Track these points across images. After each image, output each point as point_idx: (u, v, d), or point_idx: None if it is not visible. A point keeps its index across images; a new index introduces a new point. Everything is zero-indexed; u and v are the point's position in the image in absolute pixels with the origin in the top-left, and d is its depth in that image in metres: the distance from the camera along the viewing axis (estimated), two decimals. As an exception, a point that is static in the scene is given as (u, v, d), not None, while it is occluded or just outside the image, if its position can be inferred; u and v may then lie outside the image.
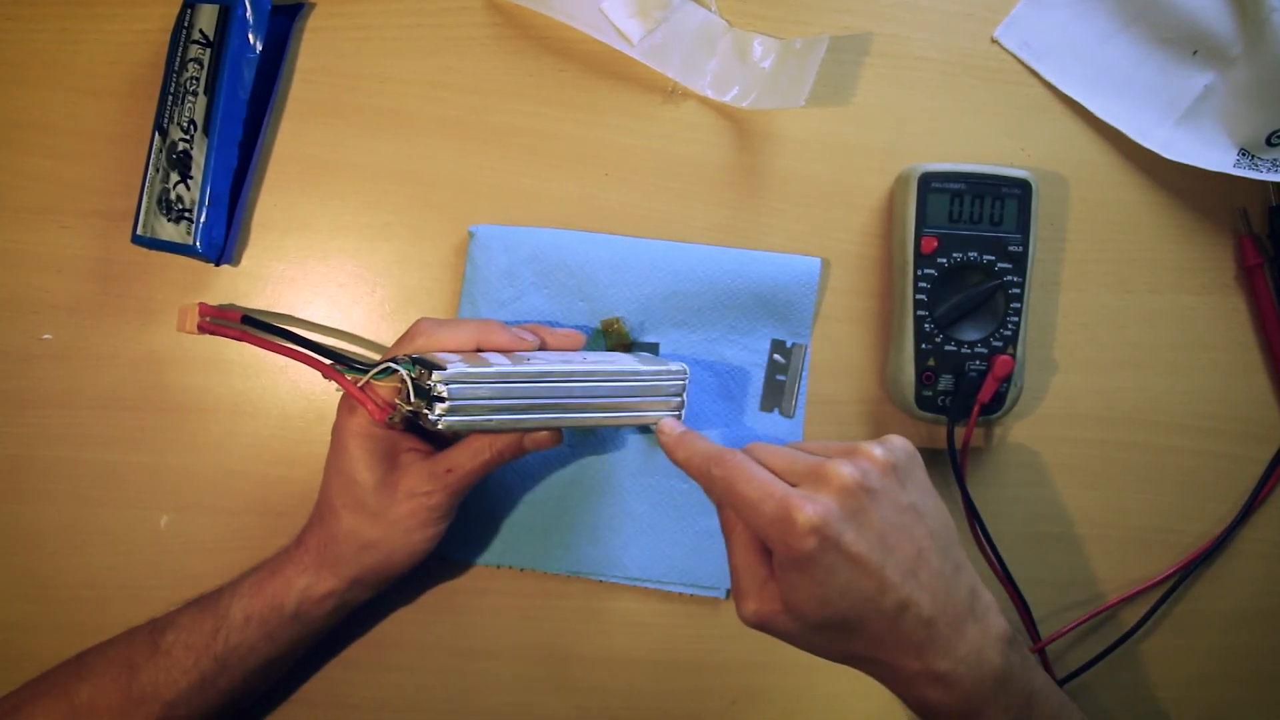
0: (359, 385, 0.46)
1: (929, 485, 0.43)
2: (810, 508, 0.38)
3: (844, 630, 0.40)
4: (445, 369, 0.44)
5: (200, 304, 0.49)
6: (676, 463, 0.46)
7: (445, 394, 0.44)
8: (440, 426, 0.44)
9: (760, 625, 0.42)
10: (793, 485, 0.40)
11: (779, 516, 0.38)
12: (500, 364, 0.46)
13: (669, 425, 0.48)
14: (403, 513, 0.48)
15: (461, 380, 0.44)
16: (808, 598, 0.39)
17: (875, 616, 0.39)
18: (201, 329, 0.49)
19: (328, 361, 0.49)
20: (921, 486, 0.42)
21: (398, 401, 0.46)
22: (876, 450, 0.41)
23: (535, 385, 0.46)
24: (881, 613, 0.39)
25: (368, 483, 0.47)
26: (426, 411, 0.44)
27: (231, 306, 0.56)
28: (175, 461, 0.56)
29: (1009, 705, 0.41)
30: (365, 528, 0.48)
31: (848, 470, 0.39)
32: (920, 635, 0.39)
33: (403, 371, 0.45)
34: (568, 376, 0.47)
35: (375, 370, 0.46)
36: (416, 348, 0.47)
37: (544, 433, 0.48)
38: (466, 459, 0.48)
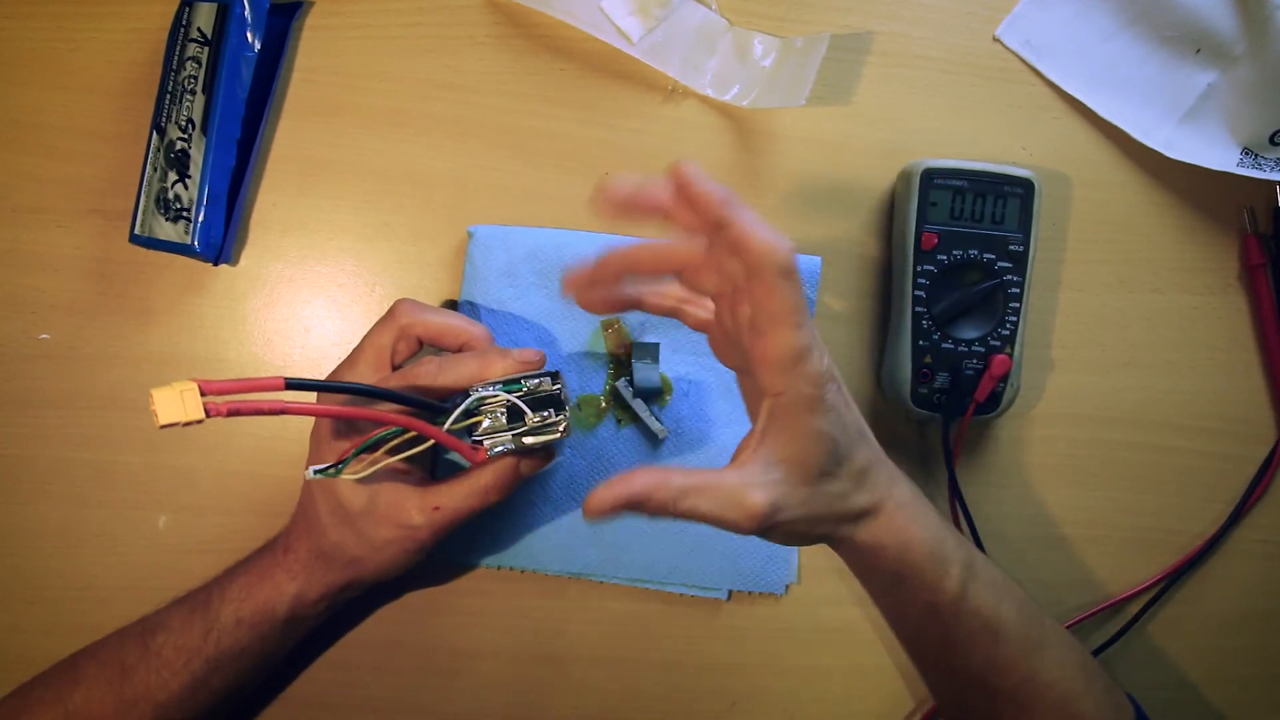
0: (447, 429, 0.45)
1: None
2: (822, 359, 0.40)
3: (835, 467, 0.42)
4: (564, 409, 0.46)
5: (199, 381, 0.36)
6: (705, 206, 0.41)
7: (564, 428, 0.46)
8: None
9: (770, 508, 0.40)
10: None
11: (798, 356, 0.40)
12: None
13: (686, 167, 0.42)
14: (386, 539, 0.48)
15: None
16: (812, 432, 0.40)
17: (858, 446, 0.42)
18: (213, 412, 0.36)
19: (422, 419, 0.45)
20: None
21: (484, 440, 0.46)
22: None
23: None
24: (863, 442, 0.43)
25: (354, 505, 0.47)
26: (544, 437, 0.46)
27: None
28: (173, 462, 0.56)
29: (952, 557, 0.44)
30: (351, 544, 0.48)
31: (822, 357, 0.42)
32: (877, 476, 0.43)
33: (517, 402, 0.45)
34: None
35: (460, 412, 0.45)
36: (401, 327, 0.48)
37: (536, 458, 0.49)
38: (457, 500, 0.47)
